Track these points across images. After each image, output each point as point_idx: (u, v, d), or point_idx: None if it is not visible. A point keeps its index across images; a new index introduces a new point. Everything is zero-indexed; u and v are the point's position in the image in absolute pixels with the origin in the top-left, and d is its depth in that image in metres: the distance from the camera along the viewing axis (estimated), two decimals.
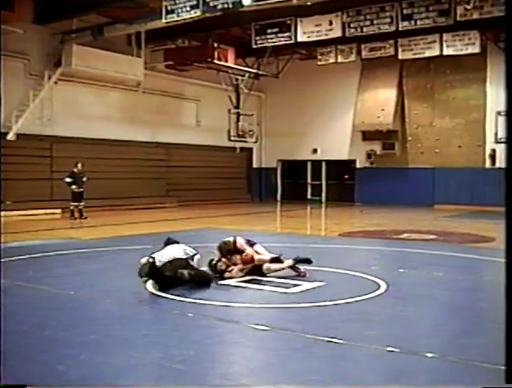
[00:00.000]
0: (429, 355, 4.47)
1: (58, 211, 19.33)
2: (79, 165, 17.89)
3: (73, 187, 17.64)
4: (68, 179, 17.72)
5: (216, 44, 22.57)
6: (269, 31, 19.54)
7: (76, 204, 17.61)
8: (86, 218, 17.37)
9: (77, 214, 17.60)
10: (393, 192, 24.98)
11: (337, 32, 18.24)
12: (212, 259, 7.65)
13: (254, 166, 29.55)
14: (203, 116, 26.06)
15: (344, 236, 13.83)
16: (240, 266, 7.59)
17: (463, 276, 8.36)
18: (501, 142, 21.15)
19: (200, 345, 4.75)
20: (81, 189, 17.75)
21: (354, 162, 27.02)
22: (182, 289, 6.87)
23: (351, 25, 18.13)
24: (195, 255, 7.28)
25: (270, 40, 19.75)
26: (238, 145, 27.58)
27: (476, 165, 23.46)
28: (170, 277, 6.77)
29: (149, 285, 7.09)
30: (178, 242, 7.49)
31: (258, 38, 19.97)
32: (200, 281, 6.90)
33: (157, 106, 23.97)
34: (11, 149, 17.98)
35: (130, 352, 4.60)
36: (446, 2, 16.79)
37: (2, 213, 15.65)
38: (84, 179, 17.86)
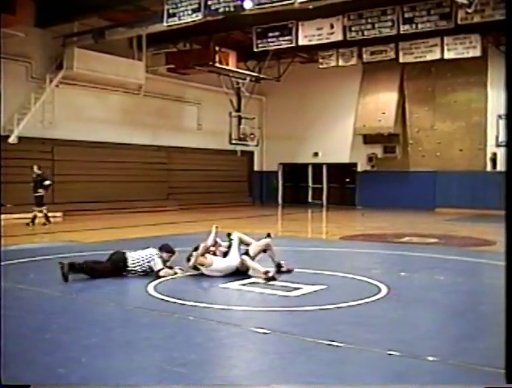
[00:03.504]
0: (430, 358, 4.47)
1: (59, 214, 19.32)
2: (35, 168, 16.83)
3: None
4: (31, 184, 16.87)
5: (217, 48, 22.60)
6: (270, 34, 19.57)
7: (35, 208, 16.62)
8: (28, 225, 16.14)
9: (43, 219, 16.56)
10: (394, 196, 24.97)
11: (338, 36, 18.26)
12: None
13: (255, 169, 29.55)
14: (205, 120, 26.08)
15: (345, 239, 13.83)
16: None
17: (465, 279, 8.37)
18: (503, 146, 21.14)
19: (202, 348, 4.76)
20: (37, 193, 16.65)
21: (355, 165, 27.02)
22: (183, 293, 6.90)
23: (352, 28, 18.16)
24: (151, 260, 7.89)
25: (271, 44, 19.78)
26: (239, 148, 27.58)
27: (477, 168, 23.45)
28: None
29: (151, 288, 7.11)
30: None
31: (259, 41, 19.99)
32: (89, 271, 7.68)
33: (159, 109, 23.99)
34: (13, 152, 17.99)
35: (131, 355, 4.61)
36: (448, 5, 16.81)
37: (4, 216, 15.66)
38: (45, 183, 16.75)
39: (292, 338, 5.05)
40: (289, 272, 8.29)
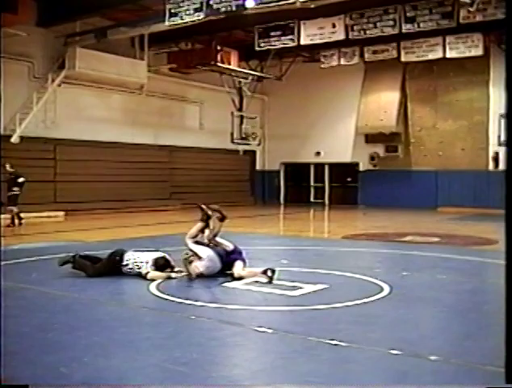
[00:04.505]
0: (432, 357, 4.46)
1: (61, 213, 19.36)
2: (7, 166, 16.30)
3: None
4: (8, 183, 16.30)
5: (219, 47, 22.58)
6: (272, 33, 19.55)
7: (8, 208, 16.12)
8: (9, 226, 15.60)
9: (16, 220, 16.07)
10: (396, 195, 24.96)
11: (340, 35, 18.23)
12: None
13: (257, 168, 29.55)
14: (207, 119, 26.08)
15: (347, 239, 13.82)
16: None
17: (467, 278, 8.35)
18: (504, 145, 21.12)
19: (203, 348, 4.75)
20: (12, 192, 16.16)
21: (357, 164, 27.01)
22: (185, 292, 6.90)
23: (354, 28, 18.14)
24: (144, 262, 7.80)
25: (273, 43, 19.76)
26: (241, 147, 27.58)
27: (479, 167, 23.42)
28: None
29: (153, 287, 7.11)
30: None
31: (261, 41, 19.98)
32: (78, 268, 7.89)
33: (161, 108, 24.00)
34: (15, 151, 17.99)
35: (133, 354, 4.61)
36: (450, 4, 16.78)
37: (4, 216, 15.67)
38: (19, 180, 16.23)
39: (294, 337, 5.04)
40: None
